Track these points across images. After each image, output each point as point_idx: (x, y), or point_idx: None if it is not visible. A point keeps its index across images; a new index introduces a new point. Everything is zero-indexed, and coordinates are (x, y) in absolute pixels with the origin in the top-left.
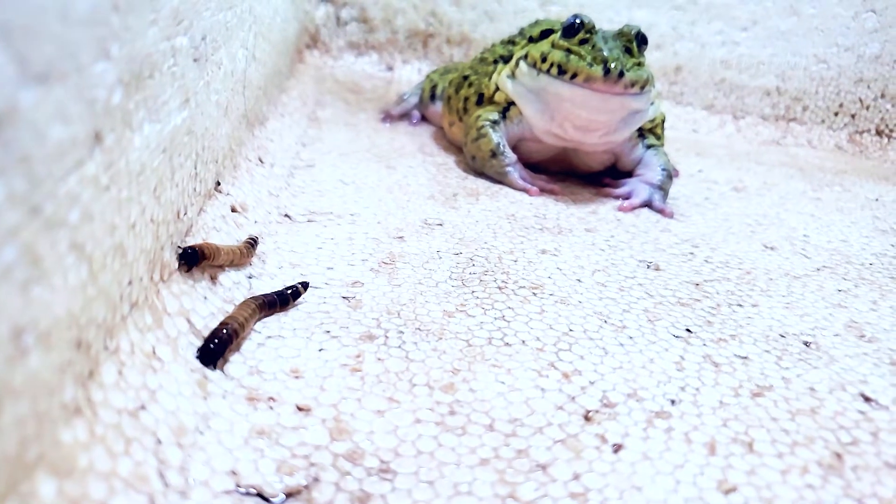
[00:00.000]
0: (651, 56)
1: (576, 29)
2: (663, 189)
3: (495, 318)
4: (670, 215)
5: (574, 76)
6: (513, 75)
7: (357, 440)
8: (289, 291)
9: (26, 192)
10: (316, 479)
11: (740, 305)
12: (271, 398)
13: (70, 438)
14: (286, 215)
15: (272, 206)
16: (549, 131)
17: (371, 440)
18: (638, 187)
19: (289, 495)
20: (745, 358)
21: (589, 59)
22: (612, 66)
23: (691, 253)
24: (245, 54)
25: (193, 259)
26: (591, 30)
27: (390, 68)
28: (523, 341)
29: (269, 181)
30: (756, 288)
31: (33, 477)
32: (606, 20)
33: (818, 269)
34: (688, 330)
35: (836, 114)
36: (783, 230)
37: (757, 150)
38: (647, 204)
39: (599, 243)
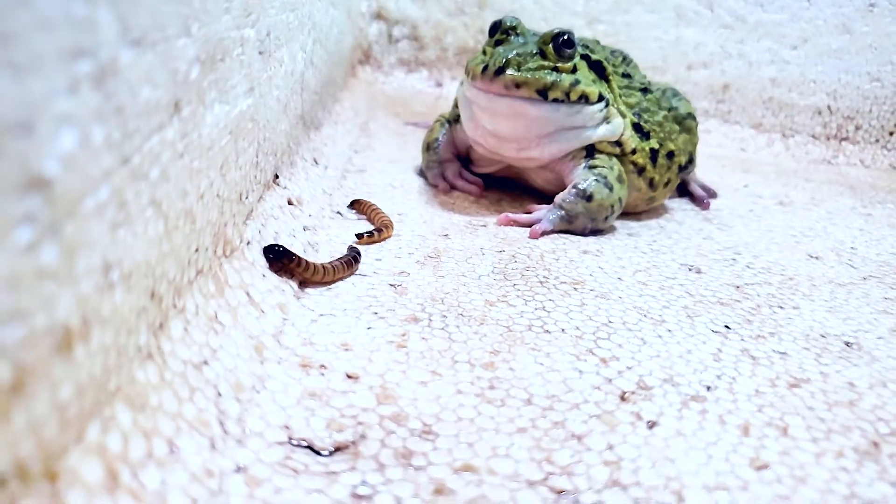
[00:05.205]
0: (698, 74)
1: (493, 30)
2: (564, 209)
3: (536, 309)
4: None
5: (468, 74)
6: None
7: (402, 405)
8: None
9: (119, 141)
10: (363, 436)
11: (781, 307)
12: (323, 366)
13: (143, 378)
14: (338, 212)
15: (325, 203)
16: (475, 140)
17: (415, 406)
18: (545, 207)
19: (337, 449)
20: (784, 353)
21: (487, 58)
22: (491, 62)
23: (733, 259)
24: (304, 57)
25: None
26: (511, 30)
27: (439, 84)
28: (563, 329)
29: (322, 181)
30: (798, 292)
31: (113, 404)
32: (653, 39)
33: (864, 279)
34: (726, 326)
35: (892, 133)
36: (829, 242)
37: (806, 169)
38: (534, 223)
39: (642, 246)
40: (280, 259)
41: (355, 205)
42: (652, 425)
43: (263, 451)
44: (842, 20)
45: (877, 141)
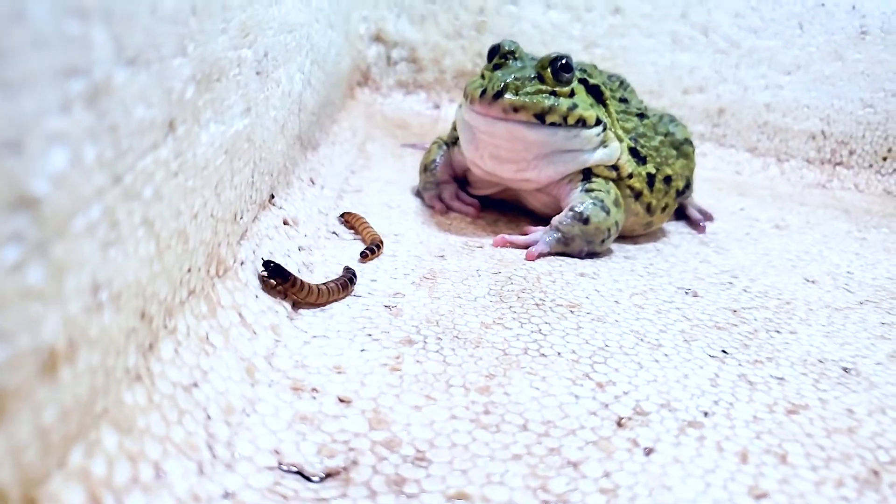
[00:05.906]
0: (694, 98)
1: (492, 53)
2: (561, 231)
3: (532, 332)
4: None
5: (467, 98)
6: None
7: (395, 430)
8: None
9: (111, 160)
10: (354, 462)
11: (778, 332)
12: (314, 389)
13: (131, 400)
14: (334, 233)
15: (321, 223)
16: (474, 162)
17: (408, 431)
18: (541, 229)
19: (328, 475)
20: (781, 379)
21: (485, 82)
22: (489, 86)
23: (730, 283)
24: (301, 78)
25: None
26: (509, 54)
27: (437, 106)
28: (559, 353)
29: (319, 201)
30: (795, 317)
31: (99, 427)
32: (649, 63)
33: (861, 303)
34: (723, 351)
35: (885, 158)
36: (825, 266)
37: (801, 193)
38: (530, 245)
39: (638, 269)
40: (276, 276)
41: (345, 216)
42: (649, 452)
43: (252, 477)
44: (834, 47)
45: (870, 166)
